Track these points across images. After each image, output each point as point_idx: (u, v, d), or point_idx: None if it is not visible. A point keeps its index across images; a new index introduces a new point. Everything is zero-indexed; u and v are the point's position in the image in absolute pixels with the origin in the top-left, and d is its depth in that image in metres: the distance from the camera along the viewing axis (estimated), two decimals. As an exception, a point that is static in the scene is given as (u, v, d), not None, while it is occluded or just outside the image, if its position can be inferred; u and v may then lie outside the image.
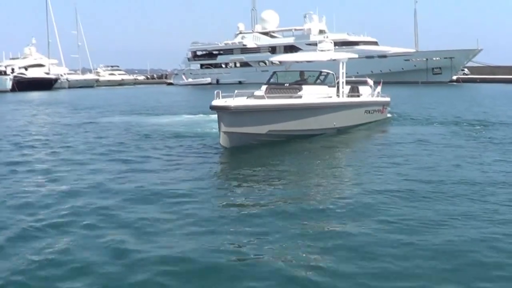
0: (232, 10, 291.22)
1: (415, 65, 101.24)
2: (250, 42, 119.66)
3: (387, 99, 30.67)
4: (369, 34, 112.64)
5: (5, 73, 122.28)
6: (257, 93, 23.52)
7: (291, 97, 22.75)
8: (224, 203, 12.16)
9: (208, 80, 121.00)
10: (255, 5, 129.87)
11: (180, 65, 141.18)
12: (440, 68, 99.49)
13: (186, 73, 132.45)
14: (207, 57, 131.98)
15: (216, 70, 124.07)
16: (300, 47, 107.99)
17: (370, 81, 30.51)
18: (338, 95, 25.27)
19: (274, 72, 26.88)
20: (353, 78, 31.62)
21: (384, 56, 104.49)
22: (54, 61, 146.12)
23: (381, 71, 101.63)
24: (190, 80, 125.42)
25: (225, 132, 19.48)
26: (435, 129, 26.95)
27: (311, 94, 23.28)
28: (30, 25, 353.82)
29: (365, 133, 25.72)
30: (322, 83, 24.83)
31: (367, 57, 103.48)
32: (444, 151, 19.50)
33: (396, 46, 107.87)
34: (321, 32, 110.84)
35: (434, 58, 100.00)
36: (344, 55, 28.11)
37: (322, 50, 27.79)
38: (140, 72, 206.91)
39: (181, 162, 17.80)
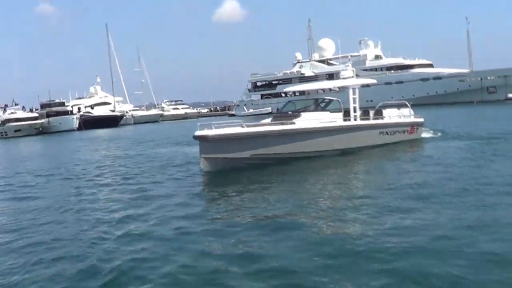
0: (290, 40, 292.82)
1: (469, 85, 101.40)
2: (307, 71, 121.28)
3: (418, 119, 31.72)
4: (424, 57, 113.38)
5: (71, 113, 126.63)
6: (263, 121, 27.11)
7: (285, 124, 25.33)
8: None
9: (269, 109, 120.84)
10: (311, 34, 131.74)
11: (241, 96, 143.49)
12: (495, 87, 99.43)
13: (247, 103, 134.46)
14: (267, 87, 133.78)
15: (275, 100, 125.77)
16: (356, 73, 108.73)
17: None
18: (348, 119, 27.35)
19: (289, 101, 30.06)
20: (391, 102, 33.24)
21: (439, 78, 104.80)
22: (119, 99, 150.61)
23: (436, 92, 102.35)
24: (251, 110, 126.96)
25: (204, 158, 22.84)
26: (459, 143, 28.33)
27: (309, 120, 25.53)
28: (94, 64, 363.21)
29: (373, 153, 26.94)
30: (323, 109, 27.02)
31: (422, 79, 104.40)
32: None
33: (450, 67, 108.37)
34: (377, 57, 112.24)
35: (489, 77, 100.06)
36: (355, 81, 29.63)
37: (344, 78, 29.73)
38: (206, 105, 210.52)
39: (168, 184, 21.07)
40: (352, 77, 29.91)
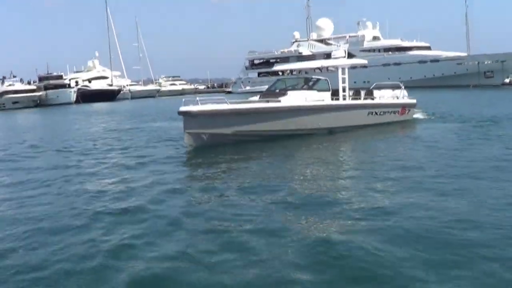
0: (288, 19, 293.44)
1: (467, 69, 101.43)
2: (305, 50, 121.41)
3: (410, 101, 32.16)
4: (422, 39, 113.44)
5: (69, 86, 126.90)
6: (250, 99, 27.88)
7: (270, 101, 25.96)
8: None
9: (266, 87, 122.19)
10: (310, 13, 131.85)
11: (238, 74, 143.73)
12: (492, 71, 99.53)
13: (244, 81, 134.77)
14: (264, 66, 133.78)
15: (273, 78, 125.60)
16: (354, 53, 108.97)
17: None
18: (337, 99, 28.01)
19: (278, 80, 30.95)
20: (385, 83, 33.73)
21: (437, 61, 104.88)
22: (117, 73, 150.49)
23: (434, 75, 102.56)
24: (248, 88, 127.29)
25: (188, 133, 23.54)
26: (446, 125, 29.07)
27: (295, 98, 26.03)
28: (92, 39, 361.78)
29: (361, 133, 27.37)
30: (310, 88, 27.32)
31: (420, 62, 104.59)
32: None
33: (448, 50, 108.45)
34: (375, 38, 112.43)
35: (486, 62, 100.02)
36: (344, 61, 30.00)
37: (335, 58, 30.19)
38: (204, 81, 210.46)
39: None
40: (344, 57, 30.31)
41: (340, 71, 28.55)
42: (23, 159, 23.83)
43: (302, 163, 19.14)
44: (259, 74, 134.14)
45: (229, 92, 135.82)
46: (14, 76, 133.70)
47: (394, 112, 30.70)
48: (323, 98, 27.04)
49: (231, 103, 24.95)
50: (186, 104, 24.14)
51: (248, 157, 20.62)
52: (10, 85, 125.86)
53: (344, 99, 28.53)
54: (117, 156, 22.87)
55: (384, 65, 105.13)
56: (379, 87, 32.78)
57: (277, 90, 27.88)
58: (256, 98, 27.81)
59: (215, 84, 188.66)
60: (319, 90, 27.32)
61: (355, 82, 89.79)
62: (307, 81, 28.40)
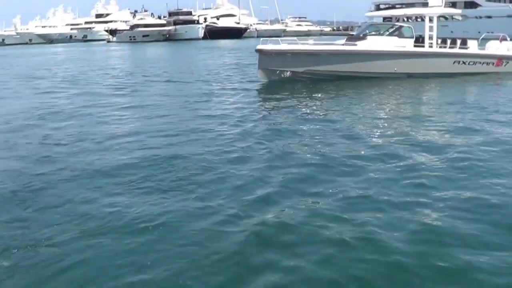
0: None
1: None
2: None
3: (508, 53, 31.44)
4: None
5: (197, 22, 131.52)
6: (337, 42, 30.04)
7: (347, 44, 28.27)
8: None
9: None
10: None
11: (364, 17, 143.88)
12: None
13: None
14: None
15: (397, 24, 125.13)
16: (479, 3, 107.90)
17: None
18: (422, 46, 28.77)
19: (370, 25, 32.55)
20: (495, 35, 33.83)
21: None
22: (244, 12, 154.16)
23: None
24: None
25: (261, 69, 26.93)
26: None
27: (372, 43, 27.73)
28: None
29: (442, 80, 27.73)
30: (391, 34, 28.42)
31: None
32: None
33: None
34: None
35: None
36: (431, 10, 30.56)
37: (431, 6, 31.46)
38: (332, 24, 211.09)
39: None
40: (440, 6, 31.39)
41: (427, 19, 29.50)
42: (146, 87, 27.04)
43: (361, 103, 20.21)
44: (384, 19, 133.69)
45: (352, 35, 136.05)
46: (145, 10, 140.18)
47: (488, 64, 30.65)
48: (405, 44, 28.17)
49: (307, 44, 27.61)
50: (263, 43, 26.85)
51: (311, 93, 23.01)
52: (141, 19, 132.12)
53: (431, 47, 29.20)
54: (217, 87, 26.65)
55: (509, 16, 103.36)
56: (488, 38, 32.83)
57: (361, 35, 29.65)
58: (343, 41, 29.86)
59: (341, 27, 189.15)
60: (400, 37, 28.43)
61: (479, 32, 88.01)
62: (389, 28, 29.46)
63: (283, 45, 27.16)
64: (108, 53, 76.29)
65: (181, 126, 15.56)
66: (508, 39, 32.47)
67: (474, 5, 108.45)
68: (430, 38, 29.35)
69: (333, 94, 22.58)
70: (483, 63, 30.57)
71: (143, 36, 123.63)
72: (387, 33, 28.89)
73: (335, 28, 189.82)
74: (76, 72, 38.45)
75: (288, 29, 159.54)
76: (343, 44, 28.65)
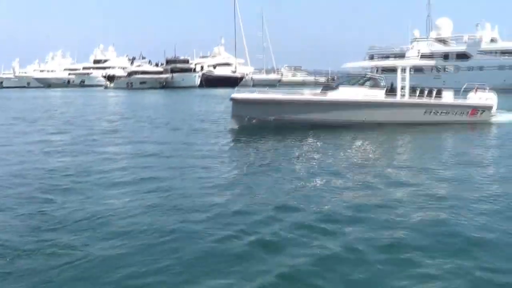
0: (408, 16, 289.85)
1: None
2: (424, 48, 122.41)
3: (484, 103, 32.41)
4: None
5: (194, 70, 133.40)
6: (307, 91, 32.01)
7: (317, 94, 29.97)
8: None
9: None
10: (430, 12, 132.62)
11: (358, 68, 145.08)
12: None
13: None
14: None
15: (390, 75, 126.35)
16: (471, 54, 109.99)
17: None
18: (393, 96, 29.92)
19: (347, 76, 34.22)
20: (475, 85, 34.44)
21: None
22: (240, 61, 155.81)
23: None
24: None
25: (233, 117, 28.72)
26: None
27: (344, 93, 29.16)
28: (219, 25, 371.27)
29: (409, 129, 28.63)
30: (361, 85, 29.90)
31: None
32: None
33: None
34: (493, 40, 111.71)
35: None
36: (403, 62, 31.90)
37: (408, 58, 32.91)
38: (326, 73, 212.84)
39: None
40: (417, 57, 33.00)
41: (399, 70, 30.72)
42: (137, 132, 28.53)
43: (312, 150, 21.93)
44: (377, 69, 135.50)
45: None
46: (144, 58, 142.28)
47: (461, 113, 31.71)
48: (375, 94, 29.50)
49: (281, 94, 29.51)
50: (238, 92, 29.23)
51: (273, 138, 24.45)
52: (139, 65, 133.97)
53: (403, 96, 30.25)
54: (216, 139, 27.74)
55: (500, 67, 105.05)
56: (467, 89, 33.90)
57: (334, 85, 31.61)
58: (316, 91, 31.51)
59: (336, 77, 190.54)
60: (371, 87, 29.78)
61: (470, 83, 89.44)
62: (361, 79, 30.98)
63: (255, 94, 29.36)
64: (105, 99, 77.69)
65: (165, 164, 17.39)
66: (487, 89, 33.53)
67: (466, 57, 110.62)
68: (403, 88, 30.33)
69: (300, 141, 23.98)
70: (456, 113, 31.58)
71: (141, 83, 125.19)
72: (358, 83, 30.25)
73: (329, 78, 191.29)
74: (71, 116, 39.67)
75: (283, 78, 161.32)
76: (314, 94, 30.22)
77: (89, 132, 27.45)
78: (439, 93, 31.67)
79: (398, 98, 30.12)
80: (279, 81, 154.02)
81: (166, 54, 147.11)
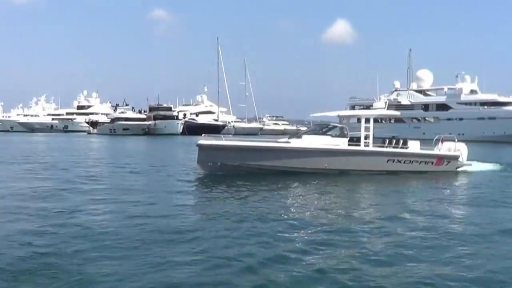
0: (390, 68, 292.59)
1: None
2: (404, 99, 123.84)
3: (450, 153, 33.29)
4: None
5: (177, 118, 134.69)
6: (280, 139, 32.56)
7: (282, 142, 30.72)
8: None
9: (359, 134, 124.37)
10: (411, 64, 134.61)
11: (339, 119, 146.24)
12: None
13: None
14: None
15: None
16: (451, 105, 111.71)
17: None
18: (356, 145, 30.47)
19: (316, 124, 34.67)
20: (445, 136, 34.89)
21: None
22: (223, 109, 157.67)
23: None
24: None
25: (198, 162, 29.49)
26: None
27: (307, 141, 29.80)
28: (202, 73, 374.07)
29: (373, 177, 29.49)
30: (324, 134, 30.75)
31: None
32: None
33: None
34: (472, 92, 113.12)
35: None
36: (366, 112, 32.76)
37: (375, 108, 33.95)
38: (309, 123, 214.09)
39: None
40: (383, 108, 34.13)
41: (363, 120, 31.13)
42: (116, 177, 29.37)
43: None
44: (358, 119, 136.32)
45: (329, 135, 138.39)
46: (127, 104, 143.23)
47: (426, 163, 32.44)
48: (338, 143, 30.07)
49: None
50: (203, 139, 29.77)
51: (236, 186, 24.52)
52: (122, 112, 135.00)
53: (367, 146, 30.82)
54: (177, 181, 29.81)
55: (479, 118, 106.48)
56: (438, 139, 34.56)
57: (300, 134, 32.41)
58: (286, 139, 32.00)
59: (307, 127, 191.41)
60: (333, 136, 30.55)
61: (450, 134, 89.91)
62: (324, 128, 31.94)
63: (219, 141, 29.87)
64: (88, 144, 78.03)
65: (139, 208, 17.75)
66: (456, 140, 33.98)
67: (446, 108, 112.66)
68: (367, 137, 30.83)
69: (265, 187, 24.11)
70: (420, 162, 32.24)
71: (123, 129, 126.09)
72: (321, 132, 31.07)
73: (297, 127, 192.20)
74: (53, 160, 40.11)
75: (265, 127, 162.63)
76: (278, 142, 30.92)
77: (67, 177, 27.73)
78: (405, 143, 32.27)
79: (361, 147, 30.64)
80: (261, 129, 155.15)
81: (149, 101, 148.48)
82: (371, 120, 31.65)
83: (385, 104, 34.51)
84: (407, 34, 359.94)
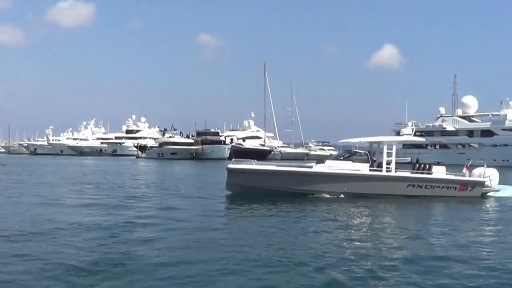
0: (435, 93, 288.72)
1: None
2: (449, 126, 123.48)
3: (475, 179, 32.99)
4: None
5: (224, 143, 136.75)
6: (307, 164, 34.81)
7: (304, 167, 32.85)
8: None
9: (408, 159, 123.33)
10: (456, 90, 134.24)
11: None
12: None
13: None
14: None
15: (416, 150, 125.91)
16: (495, 132, 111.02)
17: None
18: (378, 170, 31.35)
19: (343, 150, 36.47)
20: (477, 162, 34.98)
21: None
22: (269, 134, 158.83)
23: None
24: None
25: (227, 184, 31.68)
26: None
27: (329, 166, 31.15)
28: (249, 98, 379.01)
29: (393, 201, 29.93)
30: (346, 159, 31.84)
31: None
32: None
33: None
34: None
35: None
36: (388, 138, 34.84)
37: (402, 135, 35.57)
38: (356, 149, 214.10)
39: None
40: (410, 134, 35.70)
41: (385, 147, 31.76)
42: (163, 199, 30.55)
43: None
44: (403, 145, 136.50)
45: (374, 161, 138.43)
46: (175, 129, 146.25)
47: (450, 188, 32.48)
48: (359, 168, 31.05)
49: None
50: (233, 163, 32.32)
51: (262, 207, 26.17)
52: (170, 137, 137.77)
53: (389, 171, 31.50)
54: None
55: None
56: (473, 165, 34.14)
57: (324, 159, 34.36)
58: (313, 163, 33.52)
59: (363, 152, 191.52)
60: (355, 161, 31.61)
61: (495, 160, 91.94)
62: (346, 153, 33.26)
63: (248, 165, 31.89)
64: (137, 168, 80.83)
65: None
66: (485, 165, 33.43)
67: (490, 134, 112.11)
68: (389, 163, 31.57)
69: (292, 210, 25.20)
70: (443, 187, 32.42)
71: (171, 153, 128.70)
72: (343, 157, 32.43)
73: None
74: (105, 182, 42.63)
75: (311, 152, 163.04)
76: (301, 166, 33.10)
77: (119, 198, 29.97)
78: (429, 169, 32.78)
79: (382, 172, 31.41)
80: (307, 155, 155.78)
81: (197, 126, 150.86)
82: (394, 146, 32.45)
83: (412, 131, 35.90)
84: (452, 57, 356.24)
